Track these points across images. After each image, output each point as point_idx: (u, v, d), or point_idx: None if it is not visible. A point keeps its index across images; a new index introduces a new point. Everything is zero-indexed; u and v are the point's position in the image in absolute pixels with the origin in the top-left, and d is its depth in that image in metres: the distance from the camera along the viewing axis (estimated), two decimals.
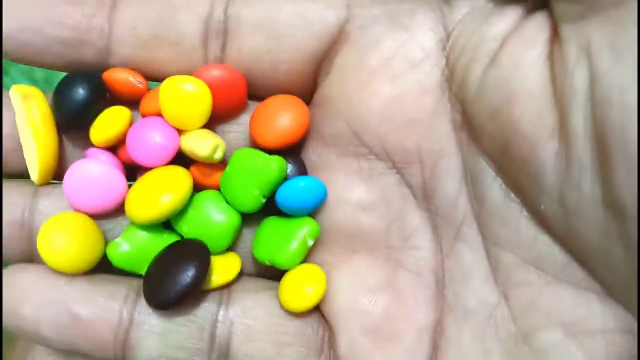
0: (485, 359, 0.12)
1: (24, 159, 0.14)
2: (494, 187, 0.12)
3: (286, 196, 0.13)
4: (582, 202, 0.11)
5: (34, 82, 0.48)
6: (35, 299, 0.14)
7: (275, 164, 0.13)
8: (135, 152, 0.14)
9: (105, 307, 0.14)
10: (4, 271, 0.15)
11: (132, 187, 0.14)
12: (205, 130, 0.14)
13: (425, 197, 0.14)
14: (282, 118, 0.13)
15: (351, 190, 0.14)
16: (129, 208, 0.14)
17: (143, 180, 0.14)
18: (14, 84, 0.48)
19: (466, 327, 0.12)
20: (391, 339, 0.13)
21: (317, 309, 0.14)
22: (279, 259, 0.13)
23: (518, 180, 0.12)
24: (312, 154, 0.15)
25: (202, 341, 0.13)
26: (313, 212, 0.14)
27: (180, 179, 0.13)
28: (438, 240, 0.13)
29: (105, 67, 0.15)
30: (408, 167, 0.14)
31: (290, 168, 0.14)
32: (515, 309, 0.12)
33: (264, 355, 0.13)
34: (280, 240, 0.13)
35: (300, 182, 0.13)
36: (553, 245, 0.12)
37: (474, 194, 0.13)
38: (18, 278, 0.14)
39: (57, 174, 0.15)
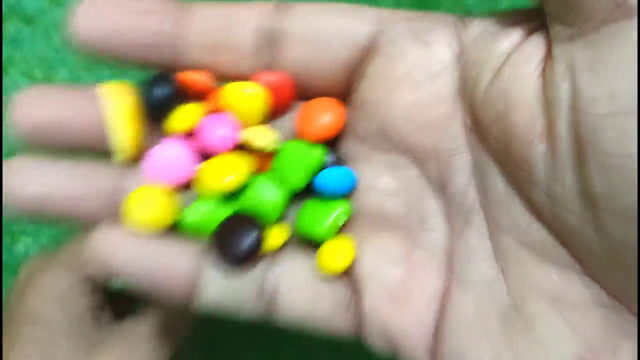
0: (483, 322, 0.14)
1: (111, 145, 0.17)
2: (497, 181, 0.15)
3: (324, 182, 0.17)
4: (565, 194, 0.13)
5: (33, 81, 0.49)
6: (123, 250, 0.16)
7: (317, 154, 0.17)
8: (205, 140, 0.17)
9: (179, 260, 0.17)
10: (96, 229, 0.17)
11: (201, 167, 0.17)
12: (262, 126, 0.18)
13: (440, 187, 0.17)
14: (323, 116, 0.17)
15: (378, 179, 0.17)
16: (198, 184, 0.17)
17: (211, 162, 0.17)
18: (14, 83, 0.48)
19: (469, 296, 0.15)
20: (406, 302, 0.16)
21: (346, 274, 0.17)
22: (317, 233, 0.17)
23: (516, 176, 0.15)
24: (347, 148, 0.18)
25: (253, 293, 0.17)
26: (346, 195, 0.18)
27: (241, 163, 0.17)
28: (450, 224, 0.16)
29: (176, 67, 0.17)
30: (426, 162, 0.17)
31: (328, 158, 0.17)
32: (510, 283, 0.15)
33: (302, 306, 0.17)
34: (318, 217, 0.17)
35: (336, 171, 0.17)
36: (542, 230, 0.14)
37: (480, 186, 0.16)
38: (109, 234, 0.17)
39: (139, 158, 0.18)
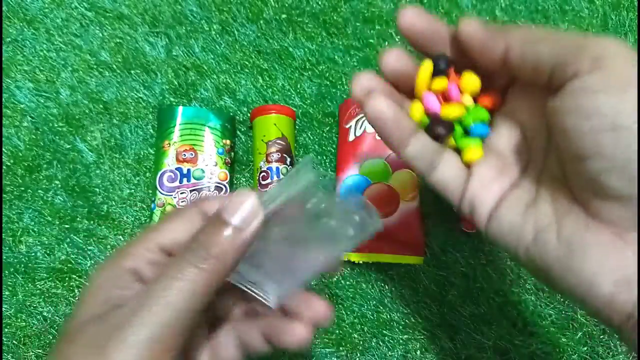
0: (516, 208, 0.26)
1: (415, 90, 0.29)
2: (552, 151, 0.26)
3: (476, 127, 0.29)
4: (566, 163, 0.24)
5: (36, 83, 0.49)
6: (386, 105, 0.27)
7: (486, 113, 0.29)
8: (449, 95, 0.29)
9: (407, 124, 0.28)
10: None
11: (443, 106, 0.29)
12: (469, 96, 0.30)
13: (529, 145, 0.27)
14: (491, 99, 0.29)
15: (501, 134, 0.29)
16: (441, 113, 0.29)
17: (446, 105, 0.29)
18: (15, 85, 0.49)
19: (515, 195, 0.27)
20: (488, 189, 0.27)
21: (470, 167, 0.29)
22: (467, 145, 0.29)
23: (559, 157, 0.25)
24: (496, 115, 0.29)
25: (430, 156, 0.28)
26: (483, 137, 0.29)
27: (459, 108, 0.29)
28: (525, 163, 0.27)
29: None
30: (527, 133, 0.28)
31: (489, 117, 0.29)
32: (538, 191, 0.26)
33: (445, 176, 0.29)
34: (470, 140, 0.29)
35: (481, 125, 0.29)
36: (560, 171, 0.25)
37: (545, 151, 0.26)
38: (382, 99, 0.27)
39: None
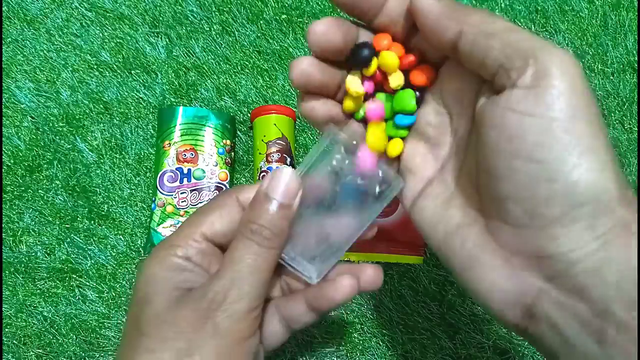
0: (436, 197, 0.26)
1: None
2: (473, 142, 0.25)
3: (401, 118, 0.28)
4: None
5: (36, 83, 0.49)
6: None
7: (413, 95, 0.28)
8: (379, 79, 0.28)
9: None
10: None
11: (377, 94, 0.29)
12: (397, 73, 0.28)
13: (455, 131, 0.27)
14: (425, 76, 0.27)
15: (430, 116, 0.28)
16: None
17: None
18: (16, 85, 0.49)
19: (439, 187, 0.26)
20: (415, 174, 0.28)
21: (397, 158, 0.29)
22: (392, 135, 0.29)
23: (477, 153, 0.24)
24: (426, 95, 0.28)
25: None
26: (409, 126, 0.29)
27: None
28: (451, 150, 0.27)
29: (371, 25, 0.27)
30: (453, 116, 0.27)
31: (417, 96, 0.28)
32: (456, 184, 0.26)
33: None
34: (395, 129, 0.29)
35: (408, 115, 0.28)
36: (474, 167, 0.24)
37: (468, 139, 0.26)
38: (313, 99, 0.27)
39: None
